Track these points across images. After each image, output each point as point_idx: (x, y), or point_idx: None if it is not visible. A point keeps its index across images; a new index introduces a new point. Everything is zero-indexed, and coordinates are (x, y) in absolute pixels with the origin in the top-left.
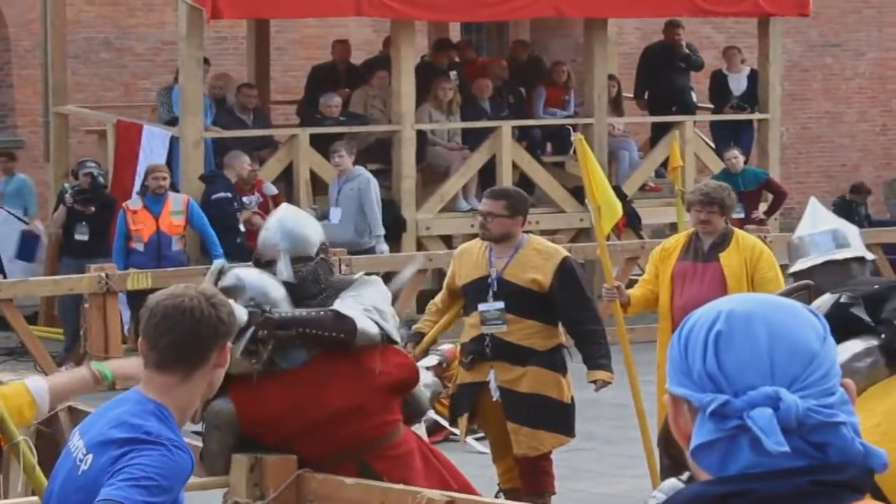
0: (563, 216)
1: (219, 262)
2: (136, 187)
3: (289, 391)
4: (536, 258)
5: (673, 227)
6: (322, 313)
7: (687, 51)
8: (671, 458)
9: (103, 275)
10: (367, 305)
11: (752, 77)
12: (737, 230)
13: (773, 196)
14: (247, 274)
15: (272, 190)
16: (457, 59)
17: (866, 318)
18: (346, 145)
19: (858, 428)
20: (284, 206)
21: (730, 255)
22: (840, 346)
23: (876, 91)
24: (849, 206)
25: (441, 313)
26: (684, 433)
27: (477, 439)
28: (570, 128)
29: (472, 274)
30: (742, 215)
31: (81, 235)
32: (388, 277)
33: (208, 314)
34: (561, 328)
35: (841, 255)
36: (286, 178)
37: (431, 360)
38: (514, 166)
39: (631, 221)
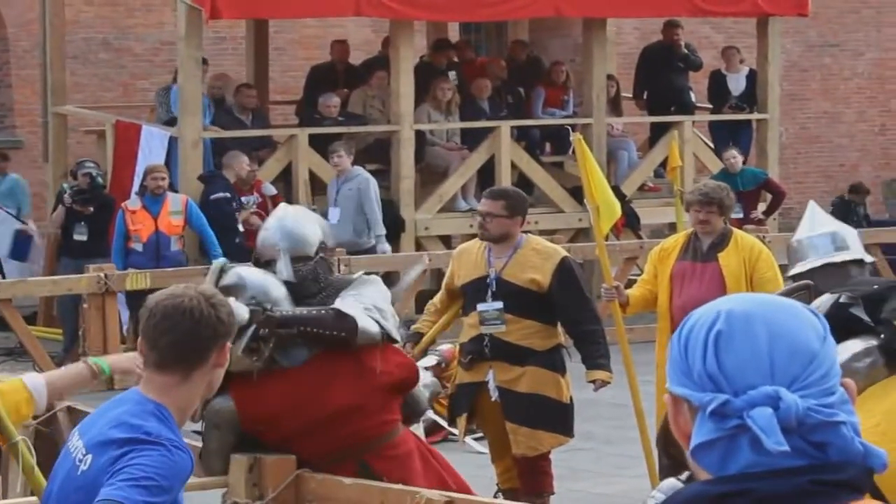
0: (562, 216)
1: (220, 261)
2: (135, 187)
3: (290, 389)
4: (535, 258)
5: (672, 227)
6: (323, 312)
7: (686, 51)
8: (670, 458)
9: (102, 275)
10: (367, 304)
11: (751, 77)
12: (735, 230)
13: (772, 196)
14: (248, 272)
15: (271, 190)
16: (456, 60)
17: (866, 318)
18: (345, 145)
19: (858, 427)
20: (284, 206)
21: (728, 255)
22: (839, 347)
23: (875, 91)
24: (847, 206)
25: (440, 313)
26: (684, 433)
27: (476, 439)
28: (569, 128)
29: (470, 274)
30: (741, 215)
31: (80, 236)
32: (387, 277)
33: (208, 314)
34: (560, 328)
35: (840, 257)
36: (285, 179)
37: (430, 360)
38: (513, 166)
39: (630, 221)
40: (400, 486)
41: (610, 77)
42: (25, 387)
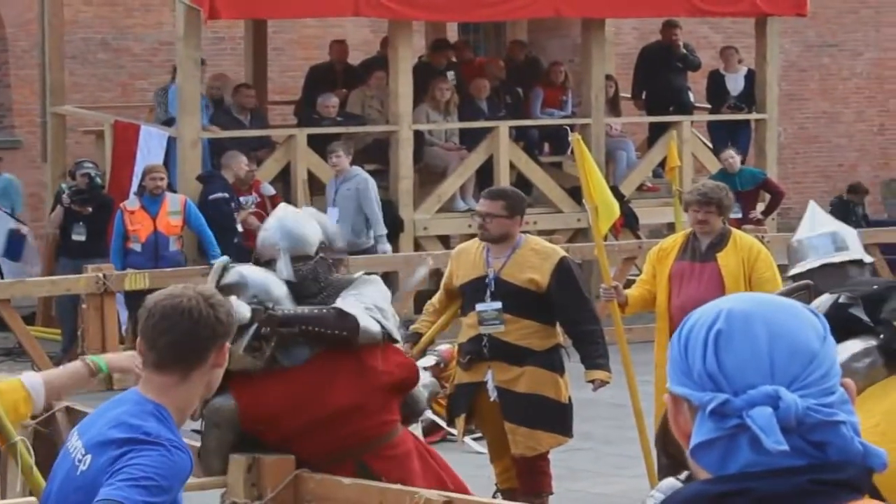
0: (561, 216)
1: (222, 260)
2: (134, 187)
3: (291, 389)
4: (534, 258)
5: (670, 227)
6: (325, 311)
7: (684, 51)
8: (669, 458)
9: (101, 275)
10: (368, 304)
11: (750, 77)
12: (734, 230)
13: (771, 196)
14: (250, 271)
15: (269, 190)
16: (454, 60)
17: (865, 318)
18: (344, 145)
19: (858, 427)
20: (283, 206)
21: (727, 255)
22: (839, 347)
23: (873, 91)
24: (846, 206)
25: (438, 313)
26: (684, 432)
27: (474, 439)
28: (568, 128)
29: (469, 274)
30: (739, 215)
31: (79, 236)
32: (387, 277)
33: (206, 314)
34: (558, 328)
35: (839, 258)
36: (283, 179)
37: (429, 360)
38: (512, 166)
39: (628, 221)
40: (398, 487)
41: (608, 77)
42: (23, 386)
